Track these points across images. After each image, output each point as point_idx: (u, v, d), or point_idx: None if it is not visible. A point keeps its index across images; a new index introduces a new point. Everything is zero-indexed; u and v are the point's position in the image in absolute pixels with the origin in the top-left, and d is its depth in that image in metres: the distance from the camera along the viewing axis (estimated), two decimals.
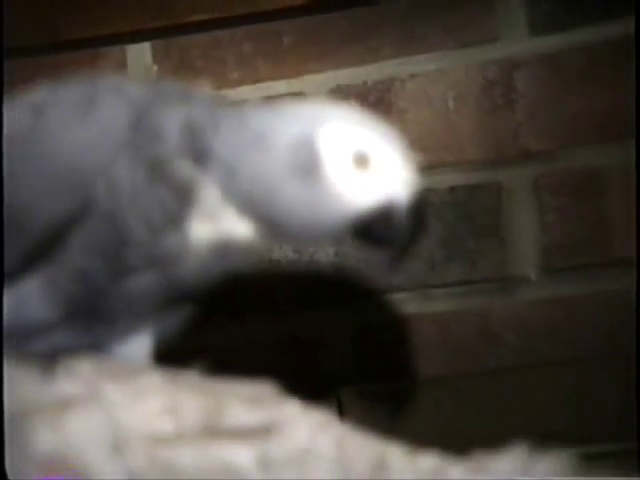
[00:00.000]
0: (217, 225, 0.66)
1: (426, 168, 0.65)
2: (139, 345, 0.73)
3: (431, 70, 1.02)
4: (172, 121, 0.65)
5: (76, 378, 0.64)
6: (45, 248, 0.66)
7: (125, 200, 0.65)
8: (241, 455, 0.61)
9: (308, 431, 0.62)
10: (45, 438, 0.61)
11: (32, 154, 0.67)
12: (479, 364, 1.02)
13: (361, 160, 0.64)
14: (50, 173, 0.66)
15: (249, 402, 0.63)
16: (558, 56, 1.02)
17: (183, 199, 0.65)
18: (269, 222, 0.66)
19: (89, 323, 0.69)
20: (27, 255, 0.66)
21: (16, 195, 0.65)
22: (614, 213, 0.98)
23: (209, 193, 0.65)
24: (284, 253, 0.92)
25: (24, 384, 0.64)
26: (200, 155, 0.65)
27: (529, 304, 1.03)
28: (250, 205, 0.65)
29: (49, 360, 0.64)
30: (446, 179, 1.02)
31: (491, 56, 1.01)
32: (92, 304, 0.68)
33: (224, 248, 0.66)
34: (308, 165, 0.64)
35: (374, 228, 0.65)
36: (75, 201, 0.65)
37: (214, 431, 0.62)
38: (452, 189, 1.02)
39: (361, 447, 0.62)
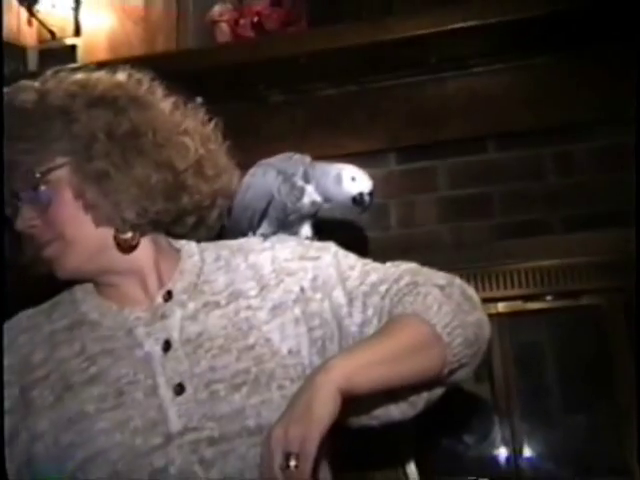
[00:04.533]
0: (311, 198, 1.26)
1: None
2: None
3: None
4: (297, 168, 1.27)
5: (262, 236, 1.26)
6: (261, 216, 1.28)
7: (283, 196, 1.26)
8: (307, 266, 1.17)
9: (331, 256, 1.16)
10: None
11: (253, 189, 1.29)
12: None
13: (353, 179, 1.25)
14: (258, 192, 1.28)
15: (318, 247, 1.19)
16: None
17: (301, 193, 1.25)
18: (327, 198, 1.26)
19: (279, 229, 1.29)
20: (257, 219, 1.29)
21: (247, 201, 1.29)
22: None
23: (309, 189, 1.26)
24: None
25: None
26: (306, 179, 1.26)
27: None
28: (320, 193, 1.26)
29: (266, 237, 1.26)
30: None
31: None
32: (280, 226, 1.29)
33: (315, 204, 1.27)
34: (338, 181, 1.24)
35: (357, 201, 1.25)
36: (266, 201, 1.27)
37: (302, 257, 1.16)
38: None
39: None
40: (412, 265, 1.16)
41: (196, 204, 1.18)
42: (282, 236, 1.30)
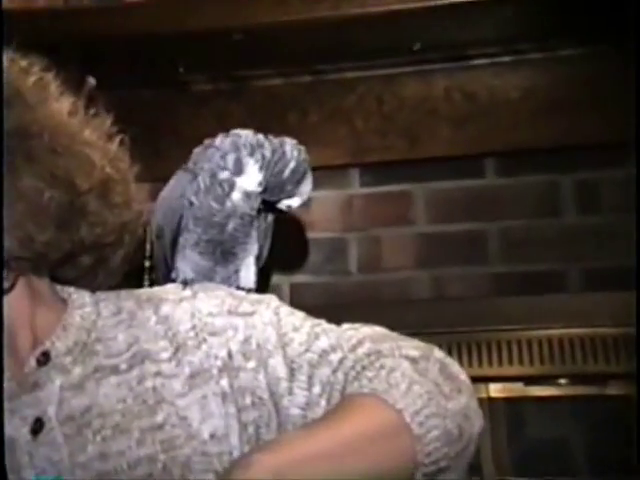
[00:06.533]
0: (244, 188, 1.15)
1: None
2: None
3: None
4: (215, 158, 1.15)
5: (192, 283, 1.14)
6: (173, 243, 1.19)
7: (202, 199, 1.15)
8: (238, 323, 1.02)
9: (270, 313, 1.03)
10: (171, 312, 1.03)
11: (163, 202, 1.20)
12: None
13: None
14: (169, 207, 1.19)
15: (253, 300, 1.06)
16: None
17: (231, 187, 1.14)
18: (277, 188, 1.16)
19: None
20: (171, 245, 1.20)
21: (163, 220, 1.20)
22: None
23: (238, 182, 1.13)
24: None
25: (179, 289, 1.10)
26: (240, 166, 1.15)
27: None
28: (268, 176, 1.15)
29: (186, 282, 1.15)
30: None
31: None
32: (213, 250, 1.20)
33: (249, 197, 1.16)
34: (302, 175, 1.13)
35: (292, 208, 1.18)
36: (177, 216, 1.17)
37: (232, 312, 1.02)
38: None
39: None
40: (377, 329, 1.05)
41: (97, 239, 1.05)
42: (208, 284, 1.20)
